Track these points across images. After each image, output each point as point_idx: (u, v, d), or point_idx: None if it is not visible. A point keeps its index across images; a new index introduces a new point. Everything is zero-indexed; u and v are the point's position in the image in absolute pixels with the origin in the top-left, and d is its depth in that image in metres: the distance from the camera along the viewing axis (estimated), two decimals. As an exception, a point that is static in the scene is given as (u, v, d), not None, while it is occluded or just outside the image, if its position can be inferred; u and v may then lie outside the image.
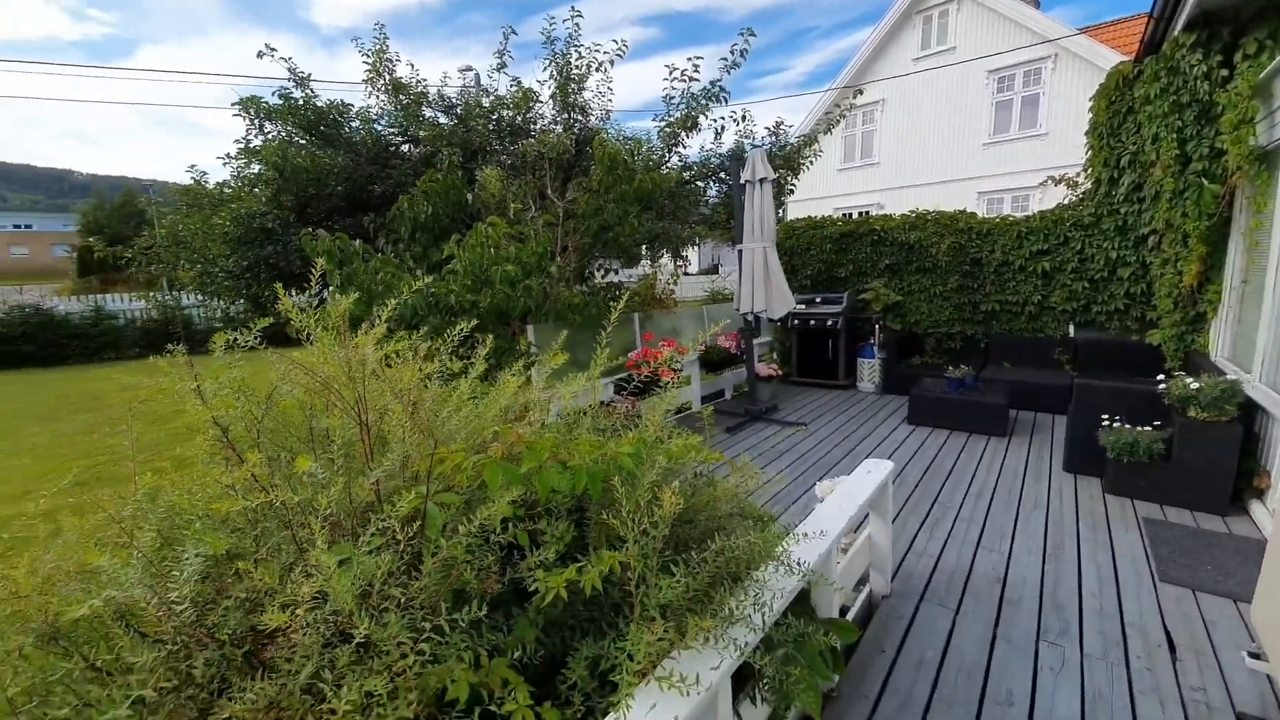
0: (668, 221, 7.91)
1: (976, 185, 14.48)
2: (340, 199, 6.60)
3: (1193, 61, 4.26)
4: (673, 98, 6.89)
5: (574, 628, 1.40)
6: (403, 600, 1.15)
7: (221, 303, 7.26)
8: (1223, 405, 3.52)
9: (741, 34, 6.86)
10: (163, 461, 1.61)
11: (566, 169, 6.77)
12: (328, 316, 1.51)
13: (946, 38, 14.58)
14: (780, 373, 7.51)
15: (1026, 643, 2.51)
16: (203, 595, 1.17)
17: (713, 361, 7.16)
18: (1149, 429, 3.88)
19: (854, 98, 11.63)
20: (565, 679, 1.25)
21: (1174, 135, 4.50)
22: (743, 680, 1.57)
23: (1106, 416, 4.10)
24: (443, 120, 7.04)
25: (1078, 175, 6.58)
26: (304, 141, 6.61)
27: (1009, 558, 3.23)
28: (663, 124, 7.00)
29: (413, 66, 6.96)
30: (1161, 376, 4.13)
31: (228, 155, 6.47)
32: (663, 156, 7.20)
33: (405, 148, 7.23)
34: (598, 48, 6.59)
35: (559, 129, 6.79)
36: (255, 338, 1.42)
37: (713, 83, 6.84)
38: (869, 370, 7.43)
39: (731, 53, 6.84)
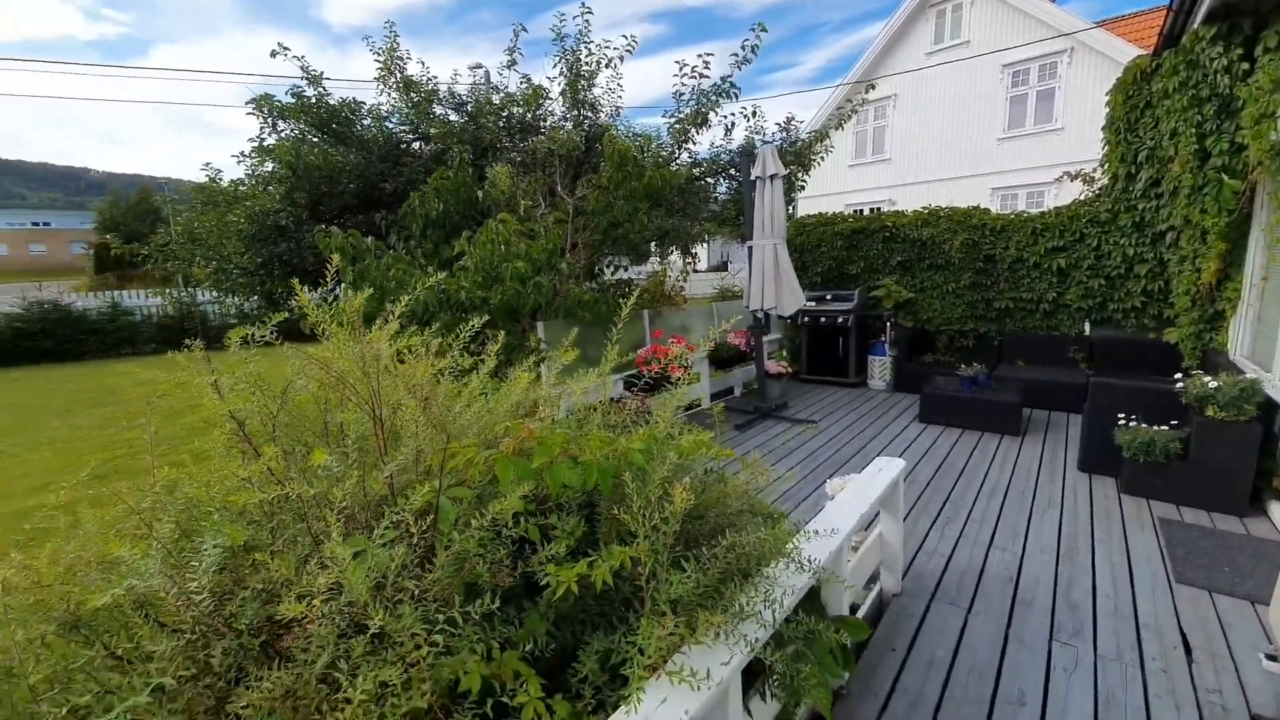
0: (677, 218, 7.89)
1: (990, 181, 14.31)
2: (352, 196, 6.64)
3: (1213, 55, 4.18)
4: (683, 94, 6.86)
5: (585, 622, 1.40)
6: (416, 592, 1.16)
7: (236, 299, 7.34)
8: (1241, 404, 3.47)
9: (753, 29, 6.80)
10: (180, 455, 1.64)
11: (576, 166, 6.77)
12: (342, 312, 1.53)
13: (960, 32, 14.40)
14: (790, 370, 7.48)
15: (1039, 643, 2.49)
16: (221, 586, 1.19)
17: (722, 359, 7.14)
18: (1166, 428, 3.83)
19: (866, 93, 11.54)
20: (576, 672, 1.25)
21: (1193, 130, 4.42)
22: (753, 676, 1.57)
23: (1122, 415, 4.05)
24: (453, 118, 7.06)
25: (1094, 171, 6.49)
26: (316, 139, 6.65)
27: (1022, 557, 3.21)
28: (672, 120, 6.97)
29: (423, 64, 6.98)
30: (1179, 375, 4.07)
31: (242, 153, 6.53)
32: (672, 153, 7.17)
33: (416, 145, 7.26)
34: (607, 44, 6.57)
35: (569, 126, 6.79)
36: (271, 332, 1.43)
37: (723, 79, 6.80)
38: (880, 368, 7.39)
39: (743, 48, 6.79)
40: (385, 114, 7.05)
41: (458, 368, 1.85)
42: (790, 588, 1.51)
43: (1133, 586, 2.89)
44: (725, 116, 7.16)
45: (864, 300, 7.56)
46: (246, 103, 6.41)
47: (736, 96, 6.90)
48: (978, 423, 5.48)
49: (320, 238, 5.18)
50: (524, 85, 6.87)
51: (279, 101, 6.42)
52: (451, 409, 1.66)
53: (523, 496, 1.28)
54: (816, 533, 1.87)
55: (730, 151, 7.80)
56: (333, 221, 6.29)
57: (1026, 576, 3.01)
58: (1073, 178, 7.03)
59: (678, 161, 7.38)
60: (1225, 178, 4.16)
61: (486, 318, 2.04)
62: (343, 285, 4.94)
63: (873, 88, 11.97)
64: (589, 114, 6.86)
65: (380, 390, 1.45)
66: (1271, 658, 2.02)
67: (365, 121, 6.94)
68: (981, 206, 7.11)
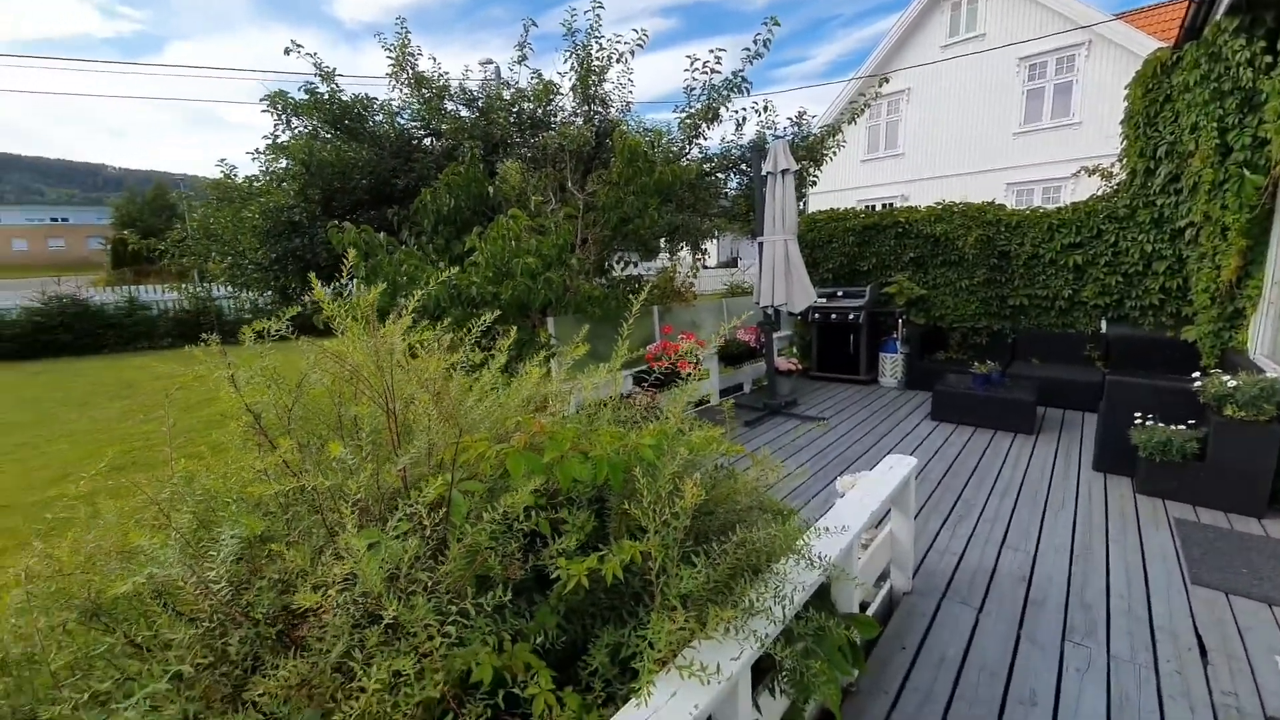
0: (688, 214, 7.87)
1: (1005, 176, 14.13)
2: (365, 192, 6.68)
3: (1235, 47, 4.10)
4: (694, 89, 6.83)
5: (595, 615, 1.41)
6: (429, 584, 1.17)
7: (251, 294, 7.42)
8: (1261, 404, 3.41)
9: (765, 23, 6.76)
10: (198, 447, 1.66)
11: (587, 161, 6.76)
12: (356, 307, 1.54)
13: (975, 24, 14.20)
14: (800, 367, 7.44)
15: (1052, 643, 2.47)
16: (238, 575, 1.21)
17: (732, 355, 7.13)
18: (1183, 428, 3.77)
19: (879, 86, 11.42)
20: (586, 665, 1.26)
21: (1214, 124, 4.34)
22: (762, 672, 1.58)
23: (1139, 414, 4.00)
24: (464, 113, 7.08)
25: (1112, 166, 6.39)
26: (329, 135, 6.70)
27: (1034, 557, 3.18)
28: (683, 115, 6.95)
29: (434, 60, 7.00)
30: (1197, 374, 4.01)
31: (256, 150, 6.60)
32: (683, 148, 7.15)
33: (427, 141, 7.28)
34: (618, 39, 6.55)
35: (579, 121, 6.79)
36: (286, 326, 1.45)
37: (735, 73, 6.76)
38: (891, 365, 7.33)
39: (754, 42, 6.75)
40: (397, 110, 7.09)
41: (469, 363, 1.86)
42: (800, 584, 1.51)
43: (1147, 587, 2.85)
44: (736, 111, 7.13)
45: (875, 297, 7.50)
46: (261, 99, 6.48)
47: (748, 91, 6.86)
48: (991, 421, 5.42)
49: (333, 233, 5.22)
50: (535, 81, 6.87)
51: (293, 98, 6.47)
52: (463, 403, 1.67)
53: (534, 490, 1.29)
54: (827, 530, 1.87)
55: (741, 146, 7.76)
56: (345, 217, 6.33)
57: (1039, 576, 2.98)
58: (1090, 173, 6.93)
59: (688, 157, 7.35)
60: (1247, 173, 4.08)
61: (497, 313, 2.05)
62: (355, 281, 4.98)
63: (886, 81, 11.86)
64: (599, 109, 6.85)
65: (394, 384, 1.47)
66: (1290, 660, 1.99)
67: (377, 117, 6.98)
68: (996, 202, 7.03)
